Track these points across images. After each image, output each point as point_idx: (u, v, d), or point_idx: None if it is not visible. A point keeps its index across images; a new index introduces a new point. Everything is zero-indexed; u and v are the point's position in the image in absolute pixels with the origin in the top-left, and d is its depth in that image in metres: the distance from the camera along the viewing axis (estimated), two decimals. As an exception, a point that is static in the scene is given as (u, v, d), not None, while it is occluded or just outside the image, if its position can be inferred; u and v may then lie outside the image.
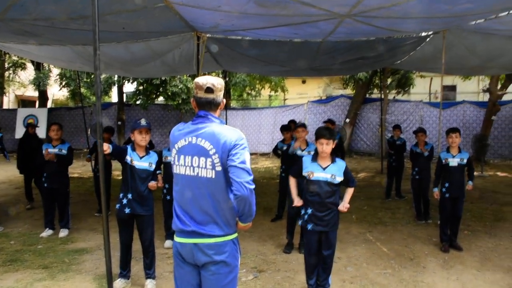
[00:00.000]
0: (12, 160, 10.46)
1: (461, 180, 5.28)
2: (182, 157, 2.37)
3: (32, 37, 6.00)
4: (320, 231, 3.74)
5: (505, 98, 14.71)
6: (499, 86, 14.09)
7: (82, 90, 16.79)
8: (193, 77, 13.79)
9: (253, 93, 20.61)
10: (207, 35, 6.20)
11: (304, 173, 3.75)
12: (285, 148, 6.23)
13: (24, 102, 25.62)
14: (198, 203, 2.34)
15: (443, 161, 5.30)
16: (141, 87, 15.47)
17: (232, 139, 2.30)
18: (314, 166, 3.72)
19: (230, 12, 4.83)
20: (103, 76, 14.71)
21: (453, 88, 21.45)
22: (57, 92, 21.84)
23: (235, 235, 2.43)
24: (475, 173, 10.79)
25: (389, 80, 15.26)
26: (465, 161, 5.27)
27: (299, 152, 5.59)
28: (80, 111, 14.81)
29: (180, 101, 14.85)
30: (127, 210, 4.01)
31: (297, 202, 3.82)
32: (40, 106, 19.69)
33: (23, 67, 20.32)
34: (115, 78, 15.53)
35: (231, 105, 19.97)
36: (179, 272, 2.45)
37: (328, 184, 3.67)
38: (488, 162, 13.19)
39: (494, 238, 5.73)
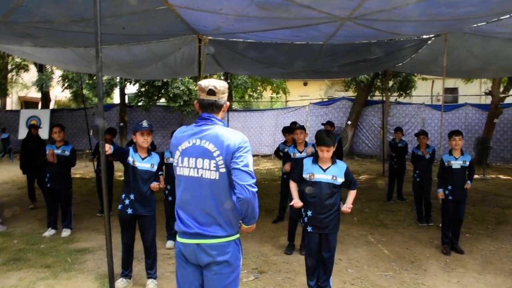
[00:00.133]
0: (15, 161, 10.53)
1: (463, 182, 5.29)
2: (186, 159, 2.39)
3: (34, 40, 6.04)
4: (320, 233, 3.75)
5: (508, 100, 14.71)
6: (501, 89, 14.08)
7: (84, 91, 16.85)
8: (195, 79, 13.84)
9: (255, 95, 20.65)
10: (209, 38, 6.23)
11: (305, 175, 3.77)
12: (286, 150, 6.24)
13: (27, 103, 25.74)
14: (201, 205, 2.36)
15: (446, 163, 5.31)
16: (143, 89, 15.53)
17: (236, 142, 2.32)
18: (314, 168, 3.74)
19: (231, 15, 4.86)
20: (105, 77, 14.75)
21: (455, 90, 21.45)
22: (59, 93, 21.92)
23: (237, 235, 2.45)
24: (477, 176, 10.84)
25: (390, 83, 15.27)
26: (467, 163, 5.28)
27: (298, 155, 5.64)
28: (82, 112, 14.87)
29: (181, 103, 14.88)
30: (129, 211, 4.04)
31: (297, 202, 3.81)
32: (42, 107, 19.79)
33: (26, 68, 20.42)
34: (117, 80, 15.59)
35: (233, 106, 20.01)
36: (182, 272, 2.47)
37: (329, 185, 3.68)
38: (490, 165, 13.18)
39: (495, 241, 5.73)
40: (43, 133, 13.85)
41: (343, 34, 5.78)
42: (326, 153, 3.65)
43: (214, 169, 2.33)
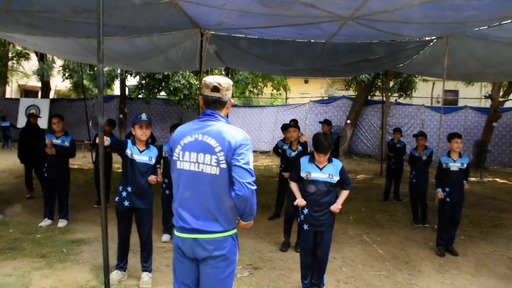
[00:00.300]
0: (13, 149, 10.51)
1: (461, 184, 5.31)
2: (187, 153, 2.41)
3: (36, 29, 6.03)
4: (316, 231, 3.78)
5: (507, 105, 14.73)
6: (501, 93, 14.10)
7: (85, 82, 16.83)
8: (196, 73, 13.82)
9: (255, 91, 20.63)
10: (211, 32, 6.23)
11: (302, 174, 3.80)
12: (285, 147, 6.27)
13: (27, 92, 25.70)
14: (200, 199, 2.38)
15: (444, 165, 5.32)
16: (143, 81, 15.50)
17: (238, 139, 2.35)
18: (311, 167, 3.76)
19: (234, 10, 4.86)
20: (106, 69, 14.73)
21: (455, 93, 21.46)
22: (59, 83, 21.87)
23: (235, 231, 2.48)
24: (474, 179, 10.87)
25: (391, 83, 15.27)
26: (465, 165, 5.31)
27: (293, 154, 5.73)
28: (82, 103, 14.86)
29: (182, 97, 14.86)
30: (126, 203, 4.05)
31: (300, 201, 3.81)
32: (42, 96, 19.75)
33: (27, 57, 20.36)
34: (118, 71, 15.55)
35: (233, 102, 19.97)
36: (179, 266, 2.50)
37: (326, 184, 3.71)
38: (488, 169, 13.21)
39: (490, 244, 5.76)
40: (42, 123, 13.83)
41: (345, 34, 5.78)
42: (322, 158, 3.71)
43: (215, 164, 2.35)
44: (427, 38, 6.54)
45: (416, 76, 15.62)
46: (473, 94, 19.21)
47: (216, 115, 2.45)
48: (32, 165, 7.67)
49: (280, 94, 24.48)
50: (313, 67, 8.95)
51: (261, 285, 4.16)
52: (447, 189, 5.26)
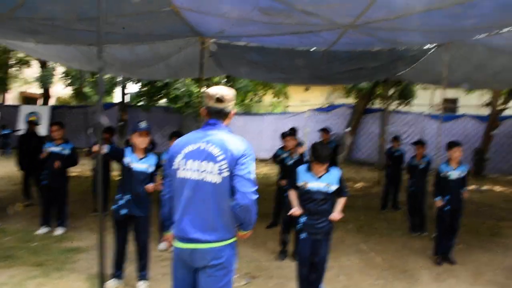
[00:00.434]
0: (12, 156, 10.48)
1: (460, 193, 5.31)
2: (189, 161, 2.43)
3: (38, 36, 6.06)
4: (314, 239, 3.76)
5: (506, 113, 14.75)
6: (500, 101, 14.13)
7: (86, 89, 16.87)
8: (196, 80, 13.86)
9: (256, 98, 20.66)
10: (212, 40, 6.26)
11: (299, 183, 3.79)
12: (284, 155, 6.27)
13: (27, 99, 25.71)
14: (200, 208, 2.39)
15: (443, 173, 5.31)
16: (144, 89, 15.54)
17: (241, 149, 2.39)
18: (308, 176, 3.76)
19: (235, 18, 4.89)
20: (106, 76, 14.77)
21: (455, 101, 21.48)
22: (60, 90, 21.92)
23: (233, 239, 2.49)
24: (473, 187, 10.83)
25: (391, 91, 15.29)
26: (464, 173, 5.31)
27: (290, 162, 5.76)
28: (82, 110, 14.87)
29: (182, 104, 14.88)
30: (123, 211, 4.05)
31: (296, 210, 3.80)
32: (43, 103, 19.77)
33: (28, 64, 20.42)
34: (119, 79, 15.60)
35: (235, 112, 19.99)
36: (177, 274, 2.52)
37: (323, 193, 3.70)
38: (487, 177, 13.20)
39: (488, 253, 5.74)
40: (42, 130, 13.84)
41: (345, 42, 5.81)
42: (320, 167, 3.69)
43: (217, 172, 2.37)
44: (426, 46, 6.57)
45: (416, 84, 15.66)
46: (473, 102, 19.23)
47: (219, 125, 2.49)
48: (30, 173, 7.66)
49: (281, 101, 24.50)
50: (314, 75, 8.97)
51: (258, 294, 4.14)
52: (446, 197, 5.24)
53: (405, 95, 15.87)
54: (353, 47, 6.40)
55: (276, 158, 6.65)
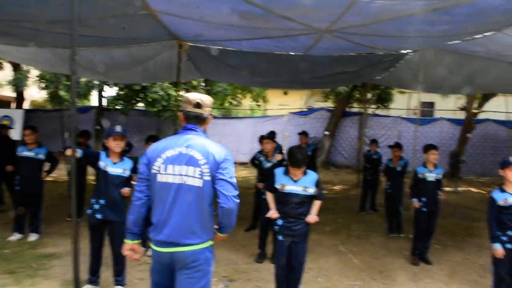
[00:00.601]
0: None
1: (437, 194, 5.41)
2: (170, 166, 2.43)
3: (11, 38, 5.91)
4: (290, 242, 3.77)
5: (481, 116, 15.14)
6: (475, 105, 14.50)
7: (62, 92, 16.53)
8: (174, 84, 13.75)
9: (234, 102, 20.65)
10: (189, 44, 6.23)
11: (277, 186, 3.80)
12: (262, 158, 6.28)
13: (0, 102, 25.03)
14: (180, 212, 2.40)
15: (420, 175, 5.41)
16: (121, 92, 15.32)
17: (222, 154, 2.45)
18: (286, 179, 3.77)
19: (213, 23, 4.88)
20: (83, 79, 14.51)
21: (431, 104, 21.96)
22: (35, 93, 21.42)
23: (211, 242, 2.51)
24: (449, 189, 11.06)
25: (369, 95, 15.52)
26: (440, 176, 5.42)
27: (267, 165, 5.76)
28: (57, 113, 14.56)
29: (160, 108, 14.74)
30: (98, 216, 3.98)
31: (273, 214, 3.82)
32: (16, 107, 19.28)
33: (0, 67, 19.89)
34: (96, 82, 15.35)
35: (212, 117, 19.91)
36: (155, 277, 2.54)
37: (300, 196, 3.72)
38: (462, 179, 13.51)
39: (462, 252, 5.87)
40: (16, 134, 13.48)
41: (322, 46, 5.86)
42: (297, 171, 3.70)
43: (199, 176, 2.40)
44: (402, 51, 6.69)
45: (393, 88, 15.93)
46: (449, 106, 19.72)
47: (197, 130, 2.54)
48: (3, 178, 7.44)
49: (259, 105, 24.56)
50: (292, 79, 9.02)
51: (237, 297, 4.12)
52: (423, 199, 5.34)
53: (383, 99, 16.12)
54: (331, 52, 6.47)
55: (254, 161, 6.66)
